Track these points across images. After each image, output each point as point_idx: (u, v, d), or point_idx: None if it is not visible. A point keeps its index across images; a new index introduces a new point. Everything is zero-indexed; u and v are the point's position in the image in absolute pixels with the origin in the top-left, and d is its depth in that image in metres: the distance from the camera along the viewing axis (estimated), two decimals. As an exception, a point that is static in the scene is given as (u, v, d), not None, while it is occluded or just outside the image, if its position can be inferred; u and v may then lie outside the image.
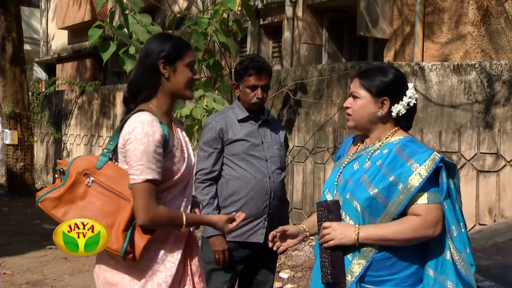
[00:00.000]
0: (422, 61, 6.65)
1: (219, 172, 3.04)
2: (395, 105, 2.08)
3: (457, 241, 1.95)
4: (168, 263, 2.07)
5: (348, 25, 8.35)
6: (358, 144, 2.20)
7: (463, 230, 1.99)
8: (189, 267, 2.17)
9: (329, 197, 2.15)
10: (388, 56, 7.25)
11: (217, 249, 2.93)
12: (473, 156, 5.14)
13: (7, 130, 10.20)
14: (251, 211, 3.01)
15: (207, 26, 4.99)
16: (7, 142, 10.23)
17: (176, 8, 8.26)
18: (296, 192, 6.30)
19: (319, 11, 8.16)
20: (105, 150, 2.07)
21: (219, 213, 3.02)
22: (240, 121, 3.08)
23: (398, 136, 2.09)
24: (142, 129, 1.99)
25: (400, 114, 2.09)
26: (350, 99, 2.14)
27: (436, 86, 5.35)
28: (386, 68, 2.14)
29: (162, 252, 2.07)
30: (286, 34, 8.45)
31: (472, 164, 5.13)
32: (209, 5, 6.57)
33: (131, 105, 2.14)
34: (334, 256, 2.02)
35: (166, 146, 2.04)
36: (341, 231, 1.99)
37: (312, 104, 6.11)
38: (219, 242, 2.95)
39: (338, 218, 2.05)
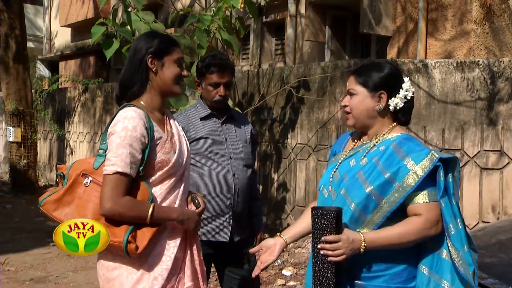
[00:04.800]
0: (426, 58, 6.64)
1: None
2: (392, 98, 2.07)
3: (455, 239, 1.92)
4: (165, 256, 2.09)
5: (351, 22, 8.34)
6: (355, 141, 2.18)
7: (460, 226, 1.96)
8: (190, 254, 2.19)
9: (325, 193, 2.12)
10: (391, 53, 7.23)
11: None
12: (476, 154, 5.13)
13: (10, 128, 10.22)
14: (215, 208, 2.96)
15: (209, 23, 4.98)
16: (11, 139, 10.26)
17: (179, 6, 8.26)
18: (299, 190, 6.30)
19: (322, 8, 8.15)
20: (100, 151, 2.10)
21: None
22: (202, 119, 3.04)
23: (396, 133, 2.08)
24: (122, 124, 2.03)
25: (398, 108, 2.08)
26: (347, 97, 2.13)
27: (440, 83, 5.34)
28: (381, 63, 2.14)
29: (158, 245, 2.09)
30: (289, 31, 8.44)
31: (475, 162, 5.12)
32: (211, 2, 6.56)
33: (123, 102, 2.17)
34: (338, 268, 1.94)
35: (151, 141, 2.07)
36: (351, 246, 1.91)
37: (315, 102, 6.11)
38: None
39: (342, 228, 1.95)
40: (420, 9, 6.71)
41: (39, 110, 11.51)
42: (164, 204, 2.12)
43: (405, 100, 2.08)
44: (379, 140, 2.08)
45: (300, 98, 6.27)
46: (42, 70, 16.30)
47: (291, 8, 8.34)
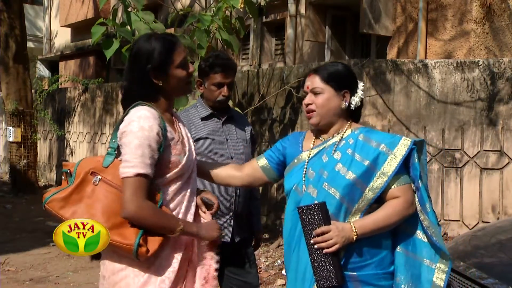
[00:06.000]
0: (426, 58, 6.64)
1: None
2: (353, 97, 2.19)
3: (431, 216, 2.07)
4: (173, 259, 2.05)
5: (350, 22, 8.34)
6: (313, 139, 2.25)
7: (431, 205, 2.10)
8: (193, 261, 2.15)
9: (299, 192, 2.16)
10: (391, 53, 7.23)
11: None
12: (476, 154, 5.13)
13: (10, 128, 10.23)
14: None
15: (209, 23, 4.98)
16: (11, 139, 10.26)
17: (178, 6, 8.26)
18: (299, 190, 6.30)
19: (322, 8, 8.16)
20: (109, 149, 2.05)
21: None
22: (203, 119, 3.03)
23: (355, 127, 2.20)
24: (138, 123, 1.96)
25: (356, 106, 2.20)
26: (311, 96, 2.19)
27: (439, 83, 5.34)
28: (339, 63, 2.27)
29: (166, 248, 2.05)
30: (289, 31, 8.44)
31: (475, 162, 5.12)
32: (211, 2, 6.56)
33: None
34: (335, 258, 2.01)
35: (164, 141, 2.02)
36: (342, 234, 2.01)
37: (315, 102, 6.11)
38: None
39: (330, 219, 2.03)
40: (420, 9, 6.71)
41: (39, 110, 11.50)
42: (171, 205, 2.07)
43: (361, 99, 2.22)
44: (344, 134, 2.18)
45: (300, 98, 6.27)
46: (42, 70, 16.30)
47: (291, 8, 8.34)
